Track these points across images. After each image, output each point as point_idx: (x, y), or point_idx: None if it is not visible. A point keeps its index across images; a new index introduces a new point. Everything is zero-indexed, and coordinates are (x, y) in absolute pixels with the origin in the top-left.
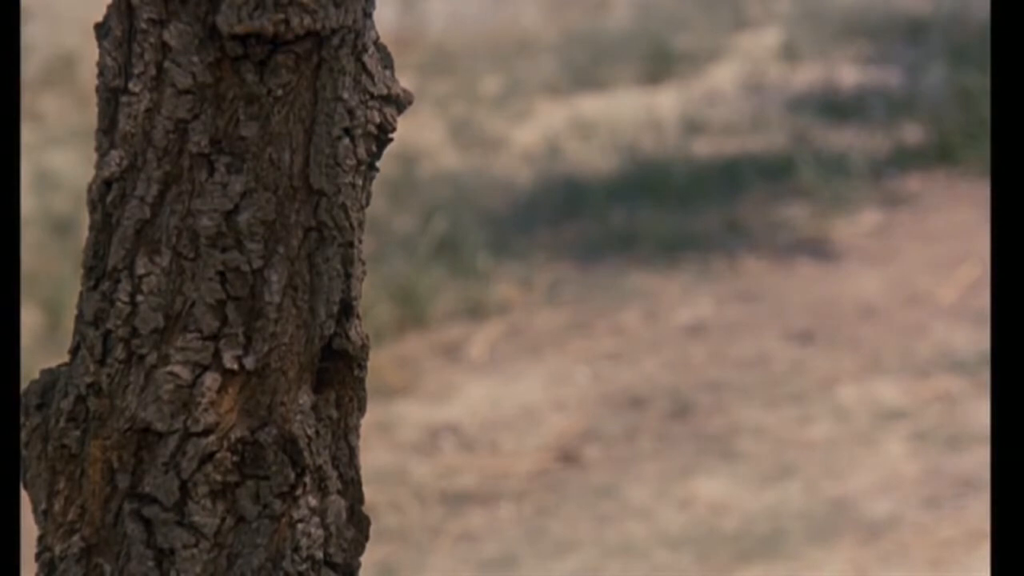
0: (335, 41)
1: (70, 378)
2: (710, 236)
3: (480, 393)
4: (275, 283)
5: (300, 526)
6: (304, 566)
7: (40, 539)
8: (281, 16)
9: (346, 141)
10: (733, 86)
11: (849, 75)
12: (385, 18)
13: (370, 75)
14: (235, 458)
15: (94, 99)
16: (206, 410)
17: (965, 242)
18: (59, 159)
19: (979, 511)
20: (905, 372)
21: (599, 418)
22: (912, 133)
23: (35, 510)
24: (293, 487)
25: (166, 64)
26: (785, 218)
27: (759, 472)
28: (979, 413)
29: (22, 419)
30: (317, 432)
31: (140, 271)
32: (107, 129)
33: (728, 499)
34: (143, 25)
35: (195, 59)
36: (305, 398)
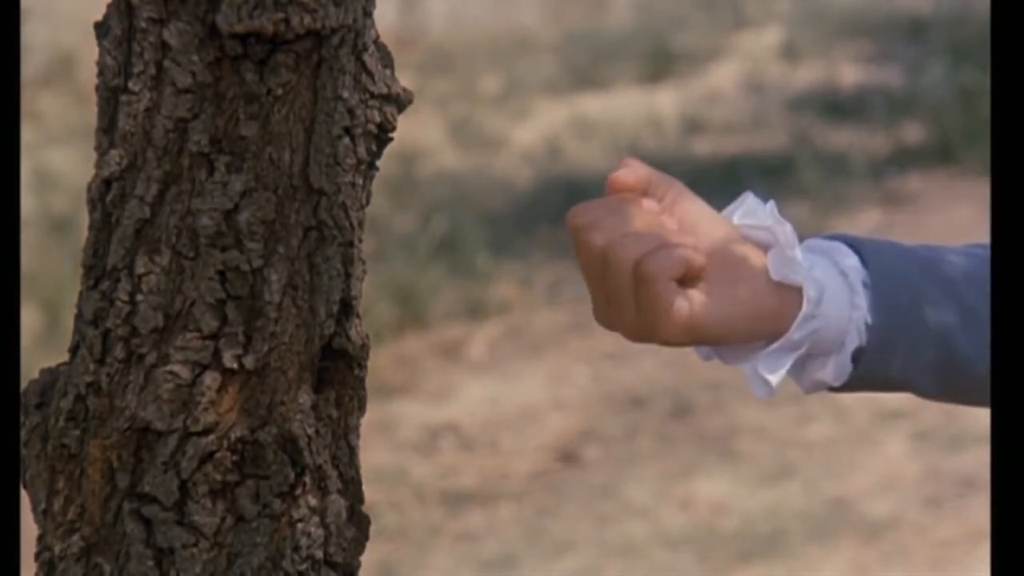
0: (335, 40)
1: (70, 377)
2: None
3: (480, 393)
4: (275, 282)
5: (300, 526)
6: (304, 566)
7: (40, 539)
8: (281, 15)
9: (346, 140)
10: (733, 86)
11: (849, 75)
12: (385, 18)
13: (370, 74)
14: (235, 457)
15: (94, 98)
16: (206, 409)
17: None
18: (59, 159)
19: (979, 511)
20: None
21: (599, 418)
22: (912, 133)
23: (35, 510)
24: (293, 487)
25: (166, 63)
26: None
27: (759, 472)
28: (979, 413)
29: (22, 419)
30: (317, 432)
31: (140, 270)
32: (107, 128)
33: (728, 499)
34: (143, 24)
35: (195, 58)
36: (305, 398)
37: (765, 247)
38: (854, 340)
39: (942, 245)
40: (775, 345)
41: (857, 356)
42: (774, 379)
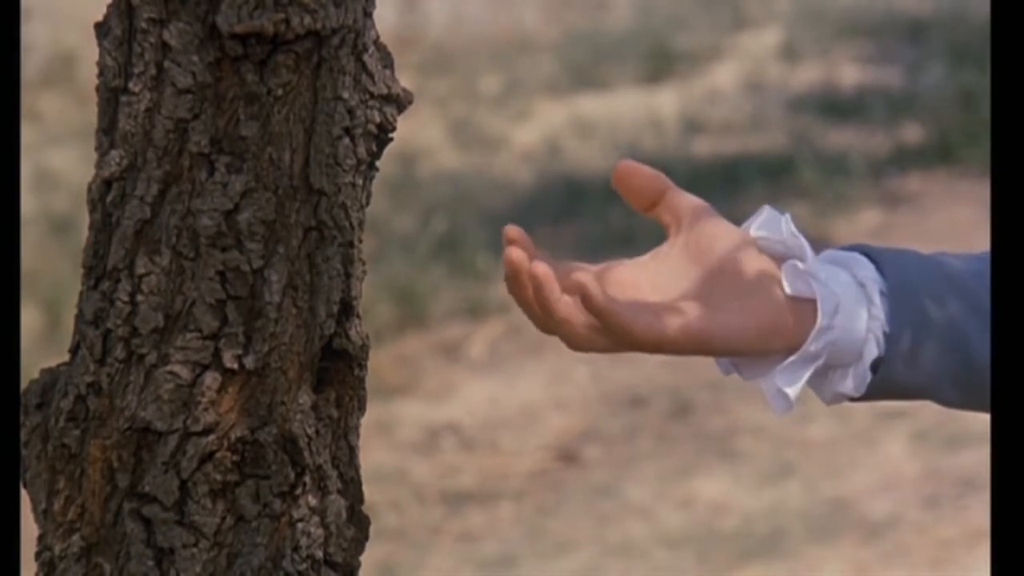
0: (335, 41)
1: (70, 377)
2: None
3: (480, 393)
4: (275, 283)
5: (300, 525)
6: (304, 565)
7: (40, 539)
8: (281, 16)
9: (346, 141)
10: (733, 86)
11: (849, 75)
12: (385, 18)
13: (370, 75)
14: (235, 457)
15: (94, 99)
16: (206, 409)
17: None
18: (59, 159)
19: (979, 511)
20: None
21: (599, 418)
22: (912, 133)
23: (35, 510)
24: (293, 487)
25: (166, 64)
26: None
27: (759, 472)
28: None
29: (22, 419)
30: (317, 432)
31: (140, 271)
32: (107, 129)
33: (728, 499)
34: (143, 24)
35: (195, 59)
36: (305, 398)
37: (780, 260)
38: (873, 350)
39: (960, 252)
40: (792, 358)
41: (876, 366)
42: (792, 392)
